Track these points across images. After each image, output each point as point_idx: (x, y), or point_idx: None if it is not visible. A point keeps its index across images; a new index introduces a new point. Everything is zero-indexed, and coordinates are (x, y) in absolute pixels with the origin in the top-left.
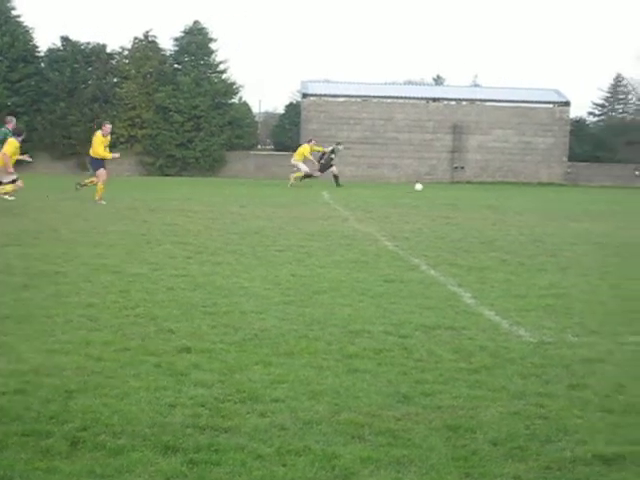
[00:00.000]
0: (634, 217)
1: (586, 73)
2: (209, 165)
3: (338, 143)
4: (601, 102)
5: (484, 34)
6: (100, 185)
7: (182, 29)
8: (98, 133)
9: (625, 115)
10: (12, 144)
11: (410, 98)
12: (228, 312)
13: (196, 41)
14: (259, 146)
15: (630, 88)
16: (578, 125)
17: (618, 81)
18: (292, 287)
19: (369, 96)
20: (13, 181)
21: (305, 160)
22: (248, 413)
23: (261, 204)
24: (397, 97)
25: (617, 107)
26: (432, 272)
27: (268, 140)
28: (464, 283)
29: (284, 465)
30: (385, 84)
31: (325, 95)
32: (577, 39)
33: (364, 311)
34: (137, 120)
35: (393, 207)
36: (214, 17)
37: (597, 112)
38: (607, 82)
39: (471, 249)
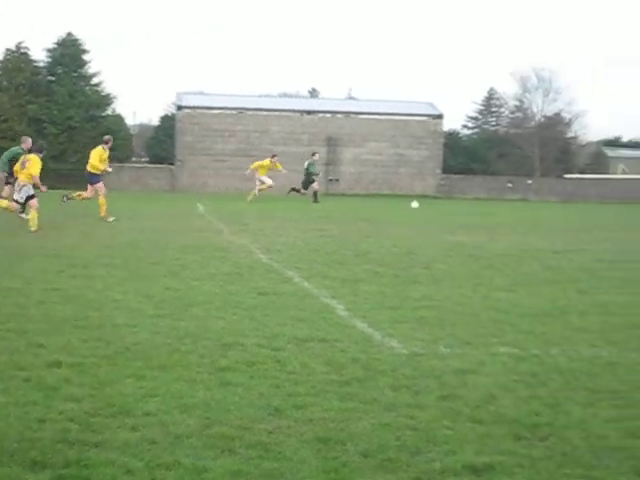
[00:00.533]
0: (506, 229)
1: (460, 87)
2: (82, 178)
3: (313, 154)
4: (475, 115)
5: (359, 47)
6: (102, 200)
7: (55, 40)
8: (100, 148)
9: (498, 128)
10: (37, 162)
11: (285, 110)
12: (100, 326)
13: (69, 52)
14: (133, 158)
15: (503, 102)
16: (452, 138)
17: (491, 95)
18: (166, 300)
19: (244, 108)
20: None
21: (261, 174)
22: (119, 427)
23: (135, 217)
24: (272, 109)
25: (490, 120)
26: (305, 284)
27: (143, 152)
28: (337, 295)
29: (153, 479)
30: (260, 96)
31: (200, 107)
32: (452, 54)
33: (237, 324)
34: (9, 132)
35: (268, 220)
36: (87, 28)
37: (471, 125)
38: (481, 96)
39: (345, 261)
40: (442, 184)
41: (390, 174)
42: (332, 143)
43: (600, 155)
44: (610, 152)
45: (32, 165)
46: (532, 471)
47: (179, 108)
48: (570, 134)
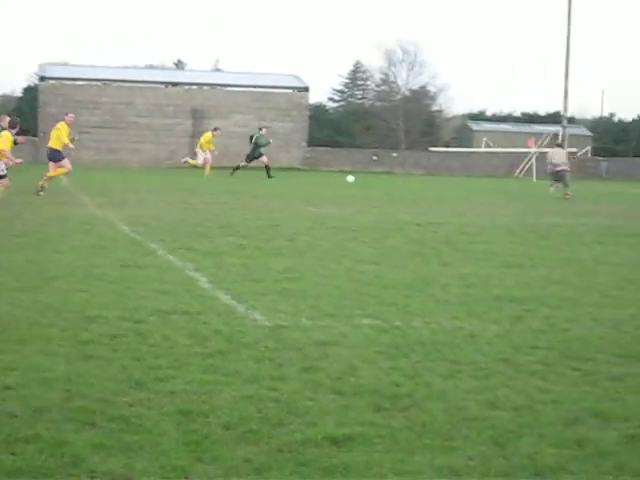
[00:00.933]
0: (371, 202)
1: (327, 60)
2: None
3: (260, 128)
4: (341, 88)
5: (226, 19)
6: (60, 172)
7: None
8: (64, 124)
9: (364, 101)
10: (7, 138)
11: (150, 82)
12: None
13: None
14: None
15: (369, 75)
16: (318, 110)
17: (357, 68)
18: (27, 273)
19: (109, 80)
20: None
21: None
22: None
23: None
24: (137, 81)
25: (356, 93)
26: (169, 257)
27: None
28: (201, 267)
29: (13, 453)
30: (125, 68)
31: (64, 78)
32: (318, 27)
33: (100, 297)
34: None
35: (132, 192)
36: None
37: (337, 98)
38: (347, 69)
39: (209, 234)
40: (307, 157)
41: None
42: (198, 115)
43: (465, 128)
44: (474, 126)
45: (2, 141)
46: (391, 441)
47: (42, 79)
48: (435, 107)
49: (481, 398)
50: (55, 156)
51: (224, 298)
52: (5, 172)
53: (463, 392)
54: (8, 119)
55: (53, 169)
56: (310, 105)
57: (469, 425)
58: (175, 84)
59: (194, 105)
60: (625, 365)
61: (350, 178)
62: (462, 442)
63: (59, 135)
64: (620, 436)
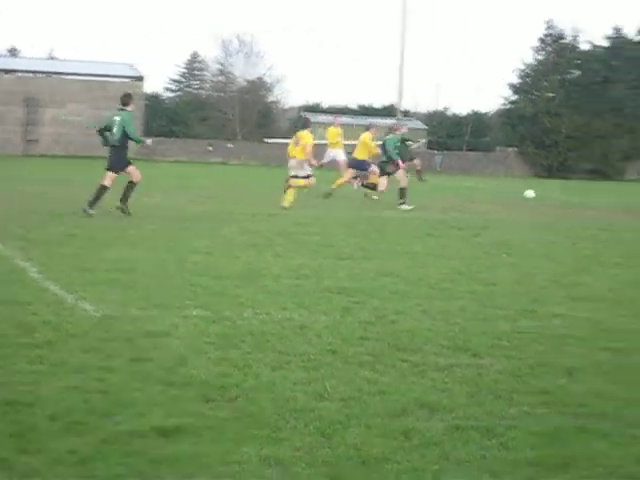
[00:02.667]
0: (206, 192)
1: (164, 50)
2: None
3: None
4: (178, 78)
5: (61, 6)
6: None
7: None
8: None
9: (201, 91)
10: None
11: None
12: None
13: None
14: None
15: (205, 65)
16: (154, 100)
17: (194, 58)
18: None
19: None
20: (308, 176)
21: None
22: None
23: None
24: None
25: (193, 83)
26: None
27: None
28: (32, 257)
29: None
30: None
31: None
32: (155, 16)
33: None
34: None
35: None
36: None
37: (174, 88)
38: (184, 59)
39: (41, 223)
40: (145, 146)
41: (89, 135)
42: (31, 103)
43: (301, 120)
44: (311, 117)
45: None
46: (219, 432)
47: None
48: (272, 99)
49: (309, 389)
50: None
51: (54, 288)
52: None
53: (291, 383)
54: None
55: None
56: (146, 94)
57: (297, 416)
58: (8, 71)
59: (27, 93)
60: (453, 356)
61: (529, 193)
62: (289, 433)
63: None
64: (446, 426)
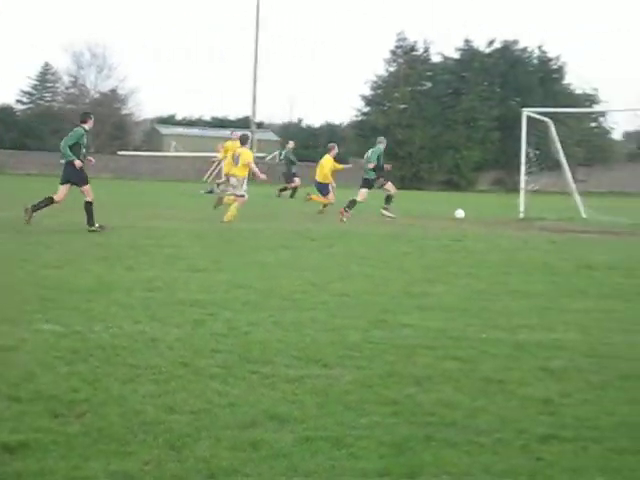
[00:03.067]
0: (57, 205)
1: (14, 61)
2: None
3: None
4: (29, 90)
5: None
6: None
7: None
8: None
9: (53, 103)
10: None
11: None
12: None
13: None
14: None
15: (58, 77)
16: (6, 112)
17: (46, 70)
18: None
19: None
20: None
21: None
22: None
23: None
24: None
25: (45, 95)
26: None
27: None
28: None
29: None
30: None
31: None
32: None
33: None
34: None
35: None
36: None
37: (26, 100)
38: (36, 70)
39: None
40: None
41: None
42: None
43: (154, 132)
44: (163, 129)
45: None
46: (67, 448)
47: None
48: (125, 111)
49: (159, 402)
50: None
51: None
52: None
53: (141, 396)
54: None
55: None
56: None
57: (146, 429)
58: None
59: None
60: (304, 367)
61: (459, 213)
62: (138, 447)
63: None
64: (295, 438)
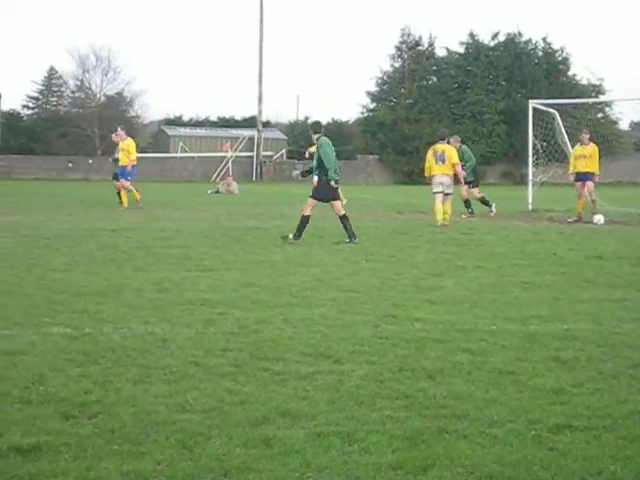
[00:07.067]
0: (66, 209)
1: (20, 66)
2: None
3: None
4: (36, 95)
5: None
6: None
7: None
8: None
9: (59, 108)
10: None
11: None
12: None
13: None
14: None
15: (63, 81)
16: (12, 118)
17: (52, 74)
18: None
19: None
20: None
21: None
22: None
23: None
24: None
25: (52, 100)
26: None
27: None
28: None
29: None
30: None
31: None
32: (7, 31)
33: None
34: None
35: None
36: None
37: (32, 105)
38: (41, 75)
39: None
40: (1, 165)
41: None
42: None
43: (161, 134)
44: (169, 131)
45: None
46: (79, 449)
47: None
48: (132, 113)
49: (171, 402)
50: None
51: None
52: None
53: (153, 396)
54: None
55: None
56: (3, 112)
57: (158, 429)
58: None
59: None
60: (314, 364)
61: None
62: (150, 446)
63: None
64: (307, 434)
